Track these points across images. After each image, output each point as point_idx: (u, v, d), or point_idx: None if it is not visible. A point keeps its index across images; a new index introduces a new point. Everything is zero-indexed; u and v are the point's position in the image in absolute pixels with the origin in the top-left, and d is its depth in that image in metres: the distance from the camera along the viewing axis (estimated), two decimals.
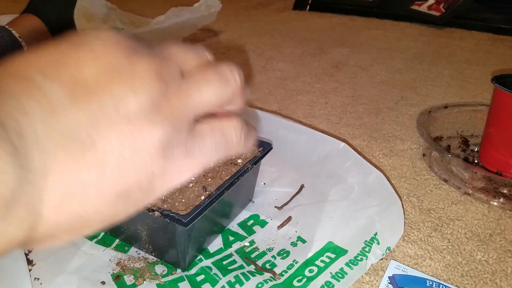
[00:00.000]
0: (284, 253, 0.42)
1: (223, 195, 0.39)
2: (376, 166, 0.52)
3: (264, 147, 0.47)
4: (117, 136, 0.16)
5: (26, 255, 0.41)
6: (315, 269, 0.40)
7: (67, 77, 0.15)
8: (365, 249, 0.42)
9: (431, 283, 0.40)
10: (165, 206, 0.37)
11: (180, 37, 1.08)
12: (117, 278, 0.39)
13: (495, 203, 0.51)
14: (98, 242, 0.43)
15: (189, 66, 0.19)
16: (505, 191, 0.52)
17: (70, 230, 0.16)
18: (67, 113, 0.15)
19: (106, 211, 0.16)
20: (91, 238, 0.44)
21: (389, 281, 0.40)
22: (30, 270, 0.39)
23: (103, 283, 0.39)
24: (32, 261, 0.41)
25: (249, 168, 0.43)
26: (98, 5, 1.11)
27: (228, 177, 0.41)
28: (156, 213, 0.36)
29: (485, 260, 0.43)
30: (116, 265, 0.41)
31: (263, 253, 0.43)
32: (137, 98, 0.16)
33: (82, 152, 0.15)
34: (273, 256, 0.42)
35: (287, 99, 0.81)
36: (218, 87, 0.19)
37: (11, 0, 1.63)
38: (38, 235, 0.15)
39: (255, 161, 0.45)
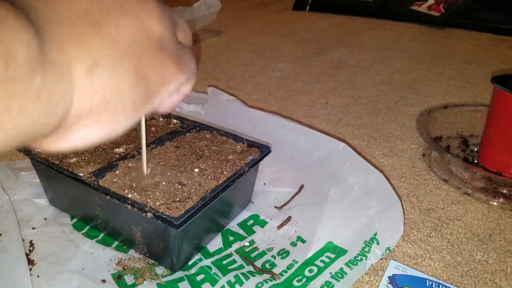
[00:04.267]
0: (284, 253, 0.42)
1: (217, 198, 0.39)
2: (375, 166, 0.52)
3: (262, 150, 0.47)
4: (121, 19, 0.17)
5: (27, 254, 0.41)
6: (315, 269, 0.40)
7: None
8: (365, 249, 0.42)
9: (430, 283, 0.40)
10: (160, 203, 0.37)
11: None
12: (118, 277, 0.39)
13: (495, 203, 0.51)
14: (98, 242, 0.43)
15: (179, 37, 0.22)
16: (504, 191, 0.52)
17: (106, 107, 0.17)
18: None
19: (133, 91, 0.18)
20: (91, 237, 0.44)
21: (389, 281, 0.40)
22: (30, 269, 0.40)
23: (103, 281, 0.39)
24: (33, 261, 0.41)
25: (246, 171, 0.43)
26: None
27: (224, 179, 0.41)
28: (149, 214, 0.35)
29: (485, 260, 0.43)
30: (117, 265, 0.41)
31: (263, 253, 0.43)
32: (148, 4, 0.18)
33: (94, 29, 0.16)
34: (273, 256, 0.42)
35: (287, 99, 0.81)
36: (187, 28, 0.23)
37: None
38: (77, 111, 0.16)
39: (253, 163, 0.44)
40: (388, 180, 0.50)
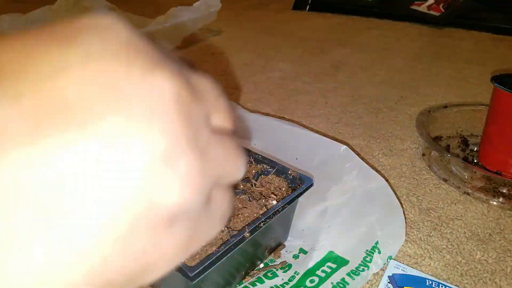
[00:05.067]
0: (286, 267, 0.42)
1: (241, 243, 0.33)
2: (375, 166, 0.52)
3: (305, 183, 0.41)
4: (116, 193, 0.10)
5: None
6: (316, 279, 0.40)
7: (35, 92, 0.10)
8: (366, 258, 0.41)
9: (430, 282, 0.40)
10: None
11: (181, 37, 1.08)
12: None
13: (495, 203, 0.51)
14: None
15: (215, 121, 0.14)
16: (504, 191, 0.52)
17: None
18: (29, 153, 0.09)
19: None
20: None
21: (388, 281, 0.40)
22: None
23: None
24: None
25: (280, 209, 0.37)
26: (98, 5, 1.11)
27: (253, 219, 0.36)
28: None
29: (485, 260, 0.43)
30: None
31: (265, 264, 0.42)
32: (152, 145, 0.11)
33: (50, 221, 0.10)
34: (275, 269, 0.42)
35: (287, 99, 0.81)
36: (241, 165, 0.15)
37: (10, 0, 1.63)
38: None
39: (290, 199, 0.38)
40: (387, 180, 0.50)
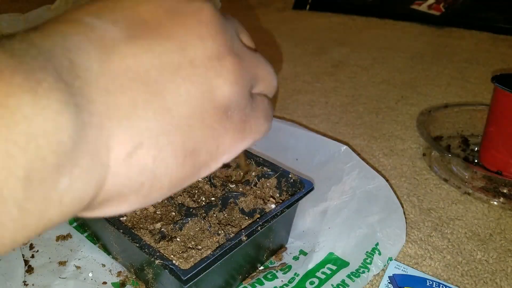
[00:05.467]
0: (286, 268, 0.42)
1: (237, 247, 0.33)
2: (376, 166, 0.52)
3: (306, 186, 0.41)
4: (184, 84, 0.14)
5: (27, 262, 0.41)
6: (316, 281, 0.40)
7: (123, 17, 0.14)
8: (367, 260, 0.41)
9: (431, 282, 0.40)
10: (185, 247, 0.34)
11: None
12: (122, 285, 0.39)
13: (495, 203, 0.51)
14: (100, 248, 0.43)
15: (243, 39, 0.19)
16: (505, 191, 0.52)
17: (139, 190, 0.14)
18: (127, 53, 0.14)
19: (175, 171, 0.15)
20: (95, 242, 0.44)
21: (389, 281, 0.40)
22: (31, 273, 0.39)
23: (104, 283, 0.39)
24: (32, 268, 0.41)
25: (278, 213, 0.37)
26: None
27: (249, 223, 0.36)
28: (158, 261, 0.31)
29: (485, 260, 0.43)
30: (117, 276, 0.40)
31: (265, 266, 0.42)
32: (205, 46, 0.15)
33: (149, 97, 0.14)
34: (275, 270, 0.41)
35: (287, 98, 0.81)
36: (273, 73, 0.19)
37: (10, 0, 1.63)
38: (106, 194, 0.14)
39: (289, 203, 0.38)
40: (388, 180, 0.49)
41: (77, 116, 0.12)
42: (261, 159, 0.46)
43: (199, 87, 0.15)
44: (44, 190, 0.11)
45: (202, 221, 0.37)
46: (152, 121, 0.14)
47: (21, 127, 0.10)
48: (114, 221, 0.35)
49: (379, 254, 0.42)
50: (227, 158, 0.17)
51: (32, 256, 0.41)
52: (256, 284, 0.39)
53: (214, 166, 0.17)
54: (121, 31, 0.14)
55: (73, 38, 0.13)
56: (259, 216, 0.40)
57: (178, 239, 0.36)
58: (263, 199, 0.41)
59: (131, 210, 0.15)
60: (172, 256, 0.33)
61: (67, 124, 0.11)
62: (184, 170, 0.15)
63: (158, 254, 0.32)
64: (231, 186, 0.43)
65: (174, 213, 0.39)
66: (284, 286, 0.39)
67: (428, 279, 0.40)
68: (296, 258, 0.43)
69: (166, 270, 0.30)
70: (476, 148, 0.63)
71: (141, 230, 0.36)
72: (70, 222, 0.46)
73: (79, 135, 0.12)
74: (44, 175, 0.11)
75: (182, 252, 0.34)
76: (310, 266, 0.41)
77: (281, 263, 0.42)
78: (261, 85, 0.18)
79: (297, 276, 0.40)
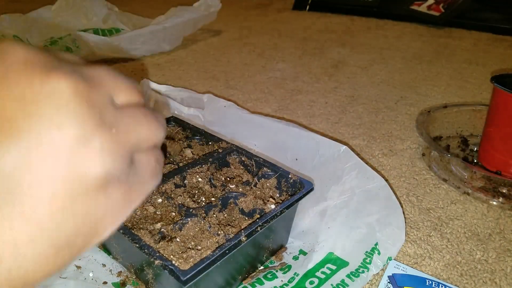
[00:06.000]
0: (286, 268, 0.42)
1: (237, 247, 0.33)
2: (375, 166, 0.52)
3: (305, 187, 0.40)
4: (48, 180, 0.14)
5: None
6: (316, 280, 0.40)
7: None
8: (366, 260, 0.41)
9: (430, 282, 0.40)
10: (184, 247, 0.33)
11: (180, 37, 1.08)
12: (122, 285, 0.39)
13: (495, 203, 0.51)
14: (100, 248, 0.43)
15: (120, 98, 0.17)
16: (504, 191, 0.52)
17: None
18: None
19: (46, 267, 0.14)
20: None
21: (388, 281, 0.40)
22: None
23: (105, 283, 0.39)
24: None
25: (278, 214, 0.37)
26: (98, 5, 1.11)
27: (249, 224, 0.36)
28: (157, 261, 0.31)
29: (485, 260, 0.43)
30: (118, 276, 0.40)
31: (265, 266, 0.42)
32: (64, 134, 0.14)
33: (14, 203, 0.13)
34: (275, 270, 0.41)
35: (287, 99, 0.81)
36: (156, 128, 0.18)
37: (10, 0, 1.63)
38: None
39: (289, 204, 0.38)
40: (387, 180, 0.49)
41: None
42: (261, 159, 0.46)
43: (66, 177, 0.14)
44: None
45: (202, 222, 0.37)
46: (16, 232, 0.13)
47: None
48: None
49: (379, 253, 0.42)
50: (111, 230, 0.16)
51: None
52: (256, 284, 0.39)
53: (97, 242, 0.16)
54: None
55: None
56: (259, 216, 0.40)
57: (178, 240, 0.36)
58: (263, 200, 0.41)
59: None
60: (171, 256, 0.33)
61: None
62: (57, 261, 0.15)
63: (157, 254, 0.32)
64: (231, 186, 0.43)
65: (174, 214, 0.39)
66: (284, 286, 0.39)
67: (428, 279, 0.40)
68: (296, 258, 0.43)
69: (166, 271, 0.31)
70: (475, 148, 0.63)
71: (141, 230, 0.36)
72: None
73: None
74: None
75: (182, 252, 0.34)
76: (310, 266, 0.41)
77: (281, 263, 0.42)
78: (145, 144, 0.17)
79: (297, 275, 0.40)
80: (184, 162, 0.46)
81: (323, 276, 0.40)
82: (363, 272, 0.40)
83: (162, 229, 0.36)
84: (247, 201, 0.41)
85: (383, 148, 0.64)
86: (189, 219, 0.37)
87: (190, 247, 0.35)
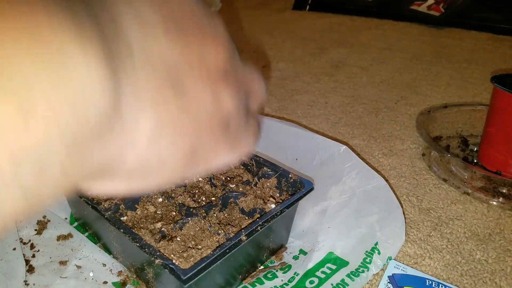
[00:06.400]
0: (286, 267, 0.42)
1: (237, 247, 0.33)
2: (375, 166, 0.52)
3: (306, 186, 0.41)
4: (202, 89, 0.15)
5: (28, 261, 0.41)
6: (316, 280, 0.40)
7: (159, 8, 0.15)
8: (366, 260, 0.41)
9: (430, 282, 0.40)
10: (185, 246, 0.34)
11: None
12: (123, 285, 0.39)
13: (495, 203, 0.51)
14: (101, 247, 0.43)
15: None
16: (504, 191, 0.52)
17: (146, 173, 0.15)
18: (161, 43, 0.14)
19: (176, 166, 0.16)
20: (95, 242, 0.44)
21: (388, 281, 0.40)
22: (32, 273, 0.40)
23: (105, 283, 0.39)
24: (33, 268, 0.41)
25: (278, 213, 0.37)
26: None
27: (249, 223, 0.36)
28: (158, 260, 0.31)
29: (485, 260, 0.43)
30: (118, 276, 0.40)
31: (265, 265, 0.42)
32: (218, 59, 0.16)
33: (174, 92, 0.15)
34: (275, 269, 0.42)
35: (287, 98, 0.81)
36: (263, 86, 0.21)
37: None
38: (122, 170, 0.14)
39: (289, 203, 0.38)
40: (387, 180, 0.49)
41: (116, 86, 0.12)
42: (261, 159, 0.46)
43: (211, 95, 0.16)
44: (83, 151, 0.12)
45: (202, 221, 0.37)
46: (173, 115, 0.15)
47: (74, 86, 0.11)
48: (114, 221, 0.36)
49: (379, 253, 0.42)
50: (214, 166, 0.18)
51: (33, 256, 0.41)
52: (256, 284, 0.39)
53: (202, 171, 0.18)
54: (159, 22, 0.14)
55: (121, 11, 0.13)
56: (259, 216, 0.40)
57: (178, 239, 0.36)
58: (263, 199, 0.41)
59: (126, 191, 0.16)
60: (172, 255, 0.33)
61: (110, 89, 0.12)
62: (182, 167, 0.16)
63: (158, 253, 0.32)
64: (231, 186, 0.43)
65: (174, 213, 0.40)
66: (284, 286, 0.39)
67: (428, 279, 0.40)
68: (296, 258, 0.43)
69: (166, 270, 0.31)
70: (475, 148, 0.63)
71: (142, 229, 0.36)
72: (71, 222, 0.46)
73: (115, 103, 0.12)
74: (85, 137, 0.12)
75: (182, 251, 0.34)
76: (310, 265, 0.41)
77: (281, 263, 0.42)
78: (253, 98, 0.20)
79: (297, 275, 0.40)
80: None
81: (323, 275, 0.40)
82: (363, 271, 0.40)
83: (162, 229, 0.37)
84: (247, 200, 0.41)
85: (383, 148, 0.64)
86: (189, 218, 0.37)
87: (191, 246, 0.35)
